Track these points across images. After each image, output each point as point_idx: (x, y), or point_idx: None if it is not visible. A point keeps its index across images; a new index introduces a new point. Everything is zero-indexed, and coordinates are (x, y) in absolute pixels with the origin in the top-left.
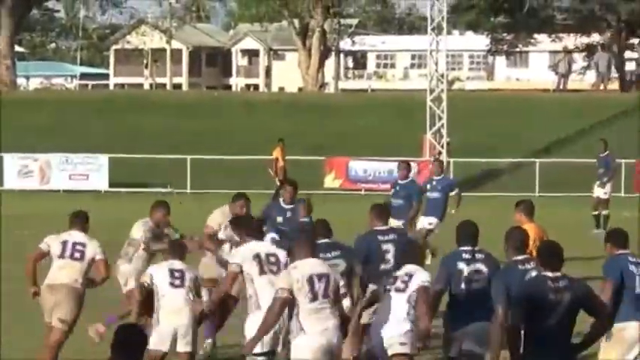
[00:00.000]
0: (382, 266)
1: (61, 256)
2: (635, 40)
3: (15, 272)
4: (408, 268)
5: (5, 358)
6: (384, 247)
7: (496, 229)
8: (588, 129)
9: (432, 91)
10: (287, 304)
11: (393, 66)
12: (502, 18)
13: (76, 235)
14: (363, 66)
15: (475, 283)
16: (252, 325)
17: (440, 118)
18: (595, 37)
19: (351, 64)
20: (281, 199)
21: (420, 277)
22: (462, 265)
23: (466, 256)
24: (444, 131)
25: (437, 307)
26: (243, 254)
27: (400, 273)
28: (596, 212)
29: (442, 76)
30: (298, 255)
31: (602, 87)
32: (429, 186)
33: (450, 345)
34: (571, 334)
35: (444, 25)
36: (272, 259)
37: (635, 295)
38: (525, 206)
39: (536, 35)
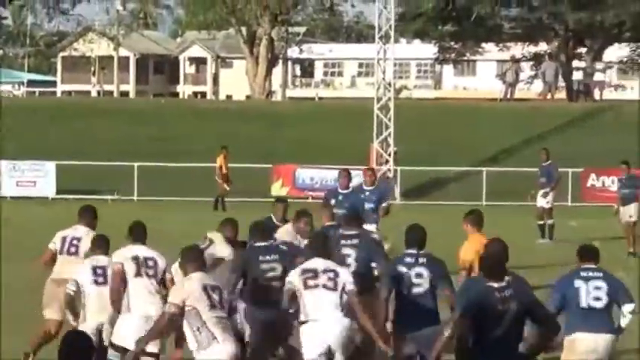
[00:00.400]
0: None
1: (60, 252)
2: (582, 50)
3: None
4: (324, 263)
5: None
6: (345, 251)
7: (443, 238)
8: (535, 138)
9: (379, 99)
10: (174, 319)
11: (340, 74)
12: (450, 27)
13: (78, 230)
14: (311, 74)
15: (417, 287)
16: (121, 325)
17: (387, 127)
18: (543, 47)
19: (298, 72)
20: (272, 216)
21: (344, 276)
22: (404, 269)
23: (409, 259)
24: (391, 140)
25: (387, 309)
26: (123, 255)
27: (318, 267)
28: (541, 222)
29: (389, 84)
30: (190, 269)
31: (549, 96)
32: (362, 196)
33: (398, 347)
34: (518, 343)
35: (392, 33)
36: (150, 262)
37: (581, 309)
38: (474, 217)
39: (483, 44)
